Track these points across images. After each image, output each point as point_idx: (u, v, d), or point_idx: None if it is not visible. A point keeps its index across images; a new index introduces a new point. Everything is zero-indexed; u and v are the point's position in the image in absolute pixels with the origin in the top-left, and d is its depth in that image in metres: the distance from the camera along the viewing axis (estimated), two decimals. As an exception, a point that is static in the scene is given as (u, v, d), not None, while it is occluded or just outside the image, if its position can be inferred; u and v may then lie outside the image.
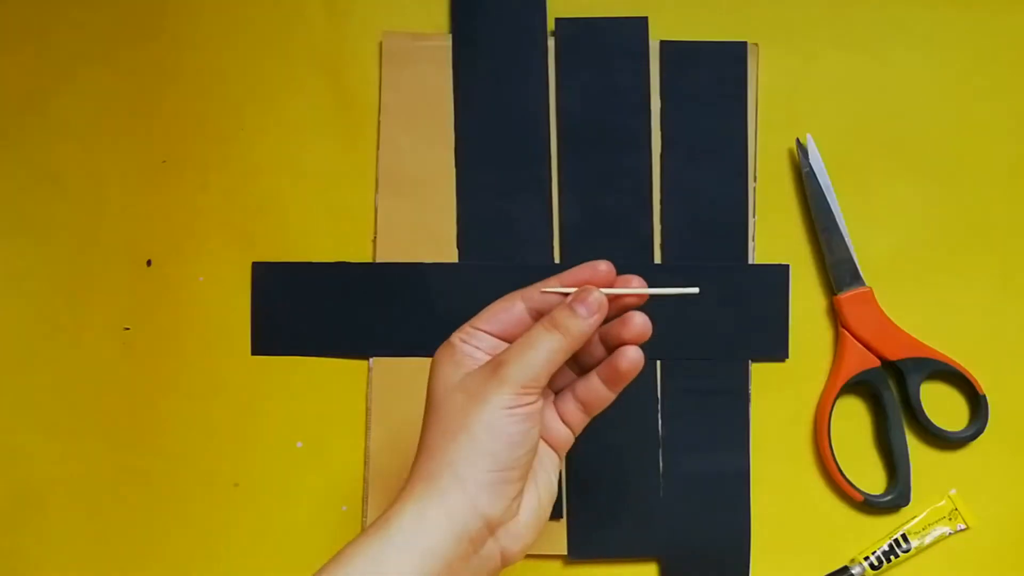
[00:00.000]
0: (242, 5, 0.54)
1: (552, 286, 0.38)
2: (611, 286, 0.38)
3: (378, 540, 0.34)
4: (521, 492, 0.36)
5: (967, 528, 0.50)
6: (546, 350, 0.35)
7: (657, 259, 0.52)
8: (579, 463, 0.51)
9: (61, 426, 0.52)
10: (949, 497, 0.51)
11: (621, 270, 0.39)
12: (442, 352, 0.37)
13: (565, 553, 0.50)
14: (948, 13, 0.54)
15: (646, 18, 0.53)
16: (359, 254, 0.52)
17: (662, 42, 0.53)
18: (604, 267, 0.38)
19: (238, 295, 0.52)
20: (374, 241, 0.52)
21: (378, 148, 0.53)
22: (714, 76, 0.53)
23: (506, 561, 0.36)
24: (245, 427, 0.52)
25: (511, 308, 0.38)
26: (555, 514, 0.50)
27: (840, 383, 0.50)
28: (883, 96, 0.53)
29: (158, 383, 0.52)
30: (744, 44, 0.53)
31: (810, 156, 0.52)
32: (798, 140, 0.52)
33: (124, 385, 0.52)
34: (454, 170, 0.52)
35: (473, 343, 0.37)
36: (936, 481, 0.51)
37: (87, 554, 0.51)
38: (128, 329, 0.52)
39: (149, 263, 0.53)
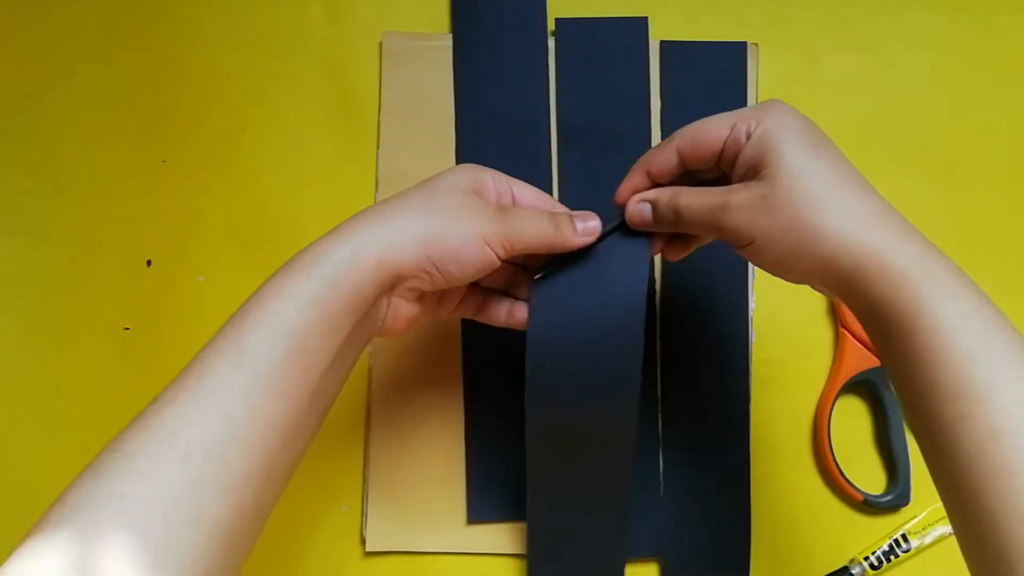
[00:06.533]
0: (242, 5, 0.54)
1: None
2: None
3: (308, 272, 0.35)
4: (428, 295, 0.40)
5: (967, 528, 0.51)
6: (537, 231, 0.39)
7: (657, 259, 0.52)
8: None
9: (61, 426, 0.52)
10: (949, 497, 0.51)
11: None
12: (475, 169, 0.41)
13: (565, 553, 0.50)
14: (948, 14, 0.54)
15: (646, 18, 0.53)
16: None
17: (662, 42, 0.53)
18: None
19: (238, 295, 0.52)
20: (374, 241, 0.52)
21: (378, 148, 0.53)
22: (714, 76, 0.53)
23: (383, 330, 0.40)
24: (245, 427, 0.52)
25: (543, 201, 0.42)
26: (555, 514, 0.50)
27: (840, 383, 0.50)
28: (883, 96, 0.53)
29: (158, 383, 0.52)
30: (744, 44, 0.53)
31: (810, 156, 0.52)
32: (798, 140, 0.52)
33: (124, 385, 0.52)
34: (454, 170, 0.52)
35: (498, 187, 0.41)
36: (936, 481, 0.51)
37: (87, 554, 0.51)
38: (128, 329, 0.52)
39: (149, 263, 0.53)
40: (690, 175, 0.40)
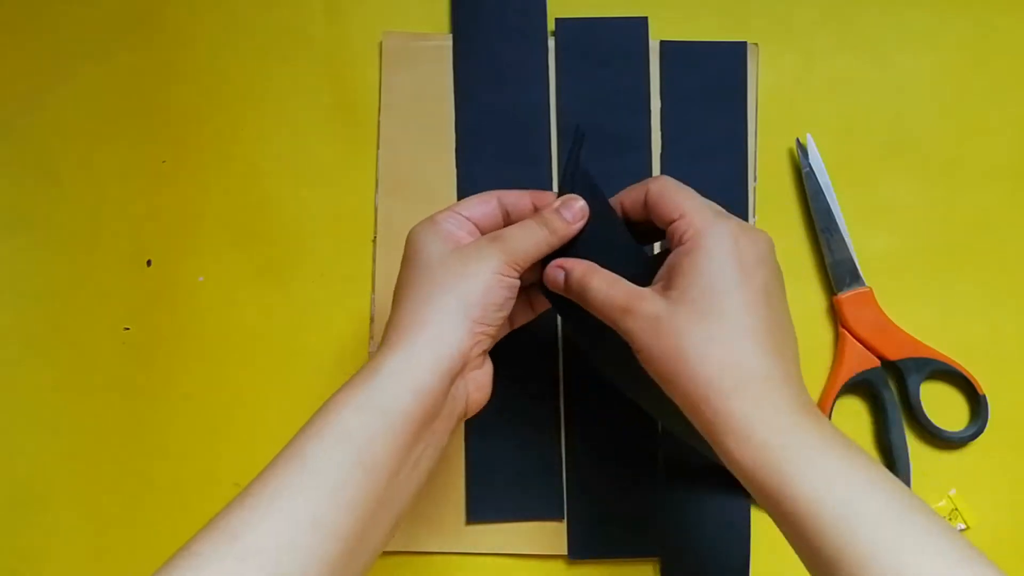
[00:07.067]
0: (243, 5, 0.54)
1: (525, 200, 0.42)
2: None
3: (366, 386, 0.36)
4: (489, 348, 0.40)
5: (967, 528, 0.51)
6: (534, 240, 0.40)
7: (657, 259, 0.52)
8: (579, 463, 0.51)
9: (61, 426, 0.52)
10: (949, 497, 0.51)
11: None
12: (428, 228, 0.40)
13: (565, 553, 0.50)
14: (948, 14, 0.54)
15: (646, 18, 0.53)
16: (359, 254, 0.52)
17: (662, 42, 0.53)
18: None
19: (238, 295, 0.52)
20: (374, 241, 0.52)
21: (378, 148, 0.53)
22: (714, 76, 0.53)
23: (468, 408, 0.40)
24: (245, 427, 0.52)
25: (488, 202, 0.42)
26: (555, 514, 0.50)
27: (840, 383, 0.50)
28: (883, 96, 0.53)
29: (158, 383, 0.52)
30: (744, 44, 0.53)
31: (810, 156, 0.52)
32: (798, 140, 0.52)
33: (124, 385, 0.52)
34: (454, 170, 0.52)
35: (455, 225, 0.41)
36: (936, 481, 0.51)
37: (87, 554, 0.51)
38: (128, 329, 0.52)
39: (149, 263, 0.53)
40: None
